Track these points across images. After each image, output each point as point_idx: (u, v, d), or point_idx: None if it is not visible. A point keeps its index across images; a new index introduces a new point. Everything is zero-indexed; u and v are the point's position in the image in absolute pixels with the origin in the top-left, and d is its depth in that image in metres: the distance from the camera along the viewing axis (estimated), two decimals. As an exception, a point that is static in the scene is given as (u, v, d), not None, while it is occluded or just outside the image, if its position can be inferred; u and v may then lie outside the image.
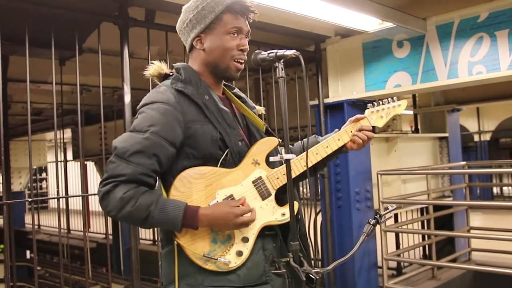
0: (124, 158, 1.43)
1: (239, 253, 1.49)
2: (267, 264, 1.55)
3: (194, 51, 1.65)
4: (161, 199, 1.46)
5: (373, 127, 1.76)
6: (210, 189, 1.53)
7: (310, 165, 1.62)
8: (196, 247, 1.49)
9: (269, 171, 1.59)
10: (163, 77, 1.66)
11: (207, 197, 1.52)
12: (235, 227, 1.48)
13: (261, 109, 1.78)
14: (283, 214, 1.56)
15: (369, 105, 1.76)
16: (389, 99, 1.76)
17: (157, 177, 1.55)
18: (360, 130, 1.70)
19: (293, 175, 1.55)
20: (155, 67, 1.65)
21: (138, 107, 1.56)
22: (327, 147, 1.67)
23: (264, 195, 1.57)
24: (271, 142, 1.62)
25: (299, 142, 1.84)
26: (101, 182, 1.46)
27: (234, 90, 1.75)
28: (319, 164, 1.70)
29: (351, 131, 1.70)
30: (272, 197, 1.58)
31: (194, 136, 1.51)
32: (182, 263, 1.50)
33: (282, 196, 1.61)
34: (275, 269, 1.57)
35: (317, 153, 1.66)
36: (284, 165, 1.53)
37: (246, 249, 1.51)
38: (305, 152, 1.61)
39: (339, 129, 1.77)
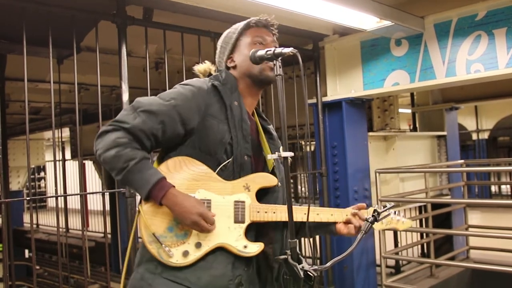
0: (136, 111, 1.51)
1: (185, 253, 1.49)
2: (233, 283, 1.53)
3: (230, 71, 1.72)
4: (145, 160, 1.48)
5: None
6: (195, 184, 1.54)
7: (295, 220, 1.56)
8: (152, 223, 1.50)
9: (254, 202, 1.59)
10: (207, 76, 1.74)
11: (188, 188, 1.53)
12: (190, 222, 1.47)
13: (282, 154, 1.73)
14: (245, 247, 1.54)
15: (376, 206, 1.75)
16: (398, 211, 1.79)
17: (159, 152, 1.62)
18: (355, 215, 1.69)
19: (276, 219, 1.58)
20: (205, 66, 1.76)
21: None
22: (317, 214, 1.67)
23: (237, 219, 1.56)
24: (270, 179, 1.63)
25: (298, 204, 1.86)
26: (109, 123, 1.53)
27: (270, 126, 1.80)
28: (303, 228, 1.68)
29: (347, 214, 1.70)
30: (244, 225, 1.56)
31: (206, 129, 1.55)
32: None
33: (261, 237, 1.61)
34: None
35: (305, 213, 1.61)
36: (270, 205, 1.59)
37: (194, 254, 1.50)
38: (297, 207, 1.62)
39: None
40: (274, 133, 1.81)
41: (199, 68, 1.76)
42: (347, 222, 1.69)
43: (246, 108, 1.68)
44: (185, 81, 1.64)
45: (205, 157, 1.55)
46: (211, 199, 1.54)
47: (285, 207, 1.57)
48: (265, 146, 1.70)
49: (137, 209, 1.54)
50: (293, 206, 1.58)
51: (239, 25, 1.71)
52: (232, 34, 1.71)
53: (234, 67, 1.70)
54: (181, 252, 1.49)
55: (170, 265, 1.48)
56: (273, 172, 1.68)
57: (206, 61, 1.77)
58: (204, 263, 1.51)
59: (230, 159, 1.56)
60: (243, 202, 1.57)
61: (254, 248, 1.55)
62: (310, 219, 1.63)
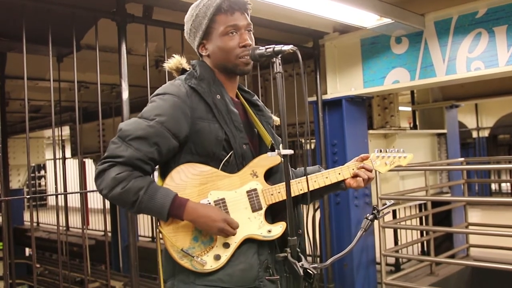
0: (126, 141, 1.47)
1: (217, 257, 1.50)
2: (261, 269, 1.55)
3: (203, 58, 1.68)
4: (152, 185, 1.47)
5: None
6: (204, 188, 1.54)
7: (306, 191, 1.61)
8: (177, 239, 1.50)
9: (265, 186, 1.60)
10: (181, 71, 1.68)
11: (200, 194, 1.53)
12: (217, 230, 1.48)
13: (277, 120, 1.77)
14: (269, 231, 1.56)
15: (376, 149, 1.78)
16: (397, 149, 1.79)
17: (158, 166, 1.58)
18: (361, 168, 1.69)
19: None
20: (175, 61, 1.68)
21: (151, 96, 1.59)
22: (326, 177, 1.67)
23: (254, 207, 1.57)
24: (273, 159, 1.61)
25: (302, 168, 1.83)
26: (100, 160, 1.49)
27: (254, 98, 1.76)
28: (315, 194, 1.68)
29: (353, 169, 1.70)
30: (262, 211, 1.58)
31: (199, 133, 1.53)
32: None
33: (277, 215, 1.62)
34: (269, 275, 1.57)
35: (315, 181, 1.64)
36: (280, 183, 1.58)
37: (225, 255, 1.51)
38: (302, 177, 1.62)
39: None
40: (260, 103, 1.77)
41: (169, 65, 1.68)
42: (355, 176, 1.68)
43: (230, 94, 1.65)
44: (161, 90, 1.56)
45: (205, 159, 1.54)
46: (225, 197, 1.55)
47: (294, 181, 1.60)
48: (257, 124, 1.69)
49: (157, 230, 1.54)
50: (297, 179, 1.63)
51: (208, 8, 1.57)
52: (202, 19, 1.59)
53: (208, 56, 1.64)
54: (212, 257, 1.50)
55: (206, 272, 1.50)
56: (272, 148, 1.66)
57: (174, 55, 1.69)
58: (232, 260, 1.52)
59: (231, 153, 1.55)
60: (255, 189, 1.58)
61: (278, 230, 1.57)
62: (321, 184, 1.65)
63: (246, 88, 1.78)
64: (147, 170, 1.50)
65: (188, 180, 1.53)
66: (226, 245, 1.52)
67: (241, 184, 1.57)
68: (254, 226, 1.56)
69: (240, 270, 1.51)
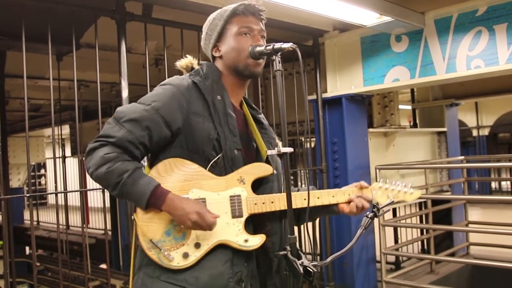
0: (120, 122, 1.49)
1: (185, 255, 1.48)
2: (233, 280, 1.51)
3: (215, 60, 1.70)
4: (137, 171, 1.47)
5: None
6: (187, 184, 1.53)
7: (295, 207, 1.55)
8: (149, 230, 1.49)
9: (251, 194, 1.57)
10: (190, 70, 1.71)
11: (181, 190, 1.52)
12: (191, 223, 1.45)
13: (279, 144, 1.68)
14: (246, 241, 1.52)
15: (381, 180, 1.71)
16: (404, 183, 1.70)
17: (147, 156, 1.60)
18: (359, 197, 1.66)
19: (274, 209, 1.55)
20: (186, 61, 1.72)
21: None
22: (318, 198, 1.63)
23: (235, 214, 1.54)
24: (264, 168, 1.60)
25: (296, 188, 1.80)
26: (94, 139, 1.51)
27: (260, 115, 1.76)
28: (304, 213, 1.62)
29: (349, 194, 1.67)
30: (243, 219, 1.54)
31: (192, 128, 1.53)
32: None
33: (261, 228, 1.59)
34: None
35: (305, 199, 1.59)
36: (267, 195, 1.56)
37: (194, 255, 1.48)
38: (294, 193, 1.58)
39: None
40: (265, 121, 1.77)
41: (180, 63, 1.71)
42: (350, 202, 1.66)
43: (232, 99, 1.65)
44: (164, 81, 1.60)
45: (194, 156, 1.53)
46: (205, 197, 1.52)
47: (282, 195, 1.55)
48: (256, 136, 1.67)
49: (132, 218, 1.53)
50: (292, 193, 1.56)
51: (225, 11, 1.64)
52: (218, 21, 1.65)
53: (220, 57, 1.67)
54: (181, 255, 1.48)
55: (172, 268, 1.47)
56: (267, 162, 1.64)
57: (187, 55, 1.72)
58: (202, 263, 1.49)
59: (220, 155, 1.54)
60: (239, 196, 1.55)
61: (256, 241, 1.53)
62: (311, 204, 1.59)
63: (253, 105, 1.78)
64: (136, 155, 1.50)
65: (173, 174, 1.52)
66: (197, 245, 1.49)
67: (226, 187, 1.55)
68: (231, 232, 1.52)
69: (208, 275, 1.48)
